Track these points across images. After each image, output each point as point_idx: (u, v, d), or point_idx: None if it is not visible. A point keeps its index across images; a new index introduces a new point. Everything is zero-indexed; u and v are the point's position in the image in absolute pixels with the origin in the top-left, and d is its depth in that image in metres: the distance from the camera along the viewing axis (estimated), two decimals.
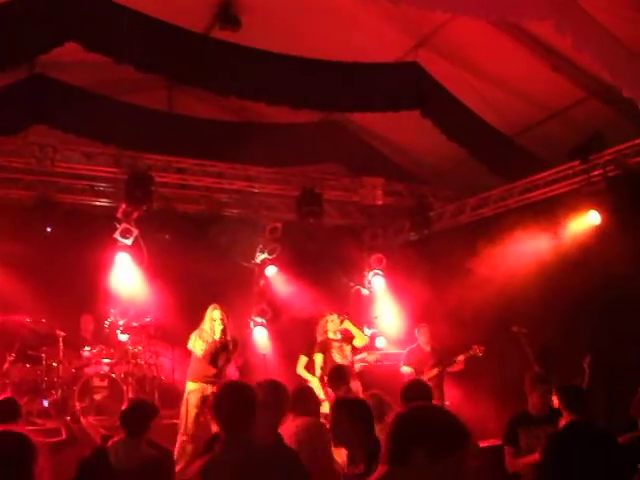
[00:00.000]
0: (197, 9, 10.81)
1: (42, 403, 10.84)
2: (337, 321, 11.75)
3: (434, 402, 11.25)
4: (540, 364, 11.15)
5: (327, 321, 11.73)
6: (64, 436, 6.63)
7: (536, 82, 11.34)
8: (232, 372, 11.46)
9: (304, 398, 7.17)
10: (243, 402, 4.74)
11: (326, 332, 11.70)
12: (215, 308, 10.68)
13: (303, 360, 11.67)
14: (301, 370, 11.59)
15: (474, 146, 12.22)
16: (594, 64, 9.25)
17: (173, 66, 10.49)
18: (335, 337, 11.71)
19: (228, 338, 10.59)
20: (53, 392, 11.15)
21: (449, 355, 11.87)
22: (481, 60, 11.34)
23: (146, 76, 11.14)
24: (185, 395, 10.40)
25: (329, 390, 10.02)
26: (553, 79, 11.03)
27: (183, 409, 10.33)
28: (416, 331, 12.30)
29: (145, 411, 6.51)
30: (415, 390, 7.11)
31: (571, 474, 6.00)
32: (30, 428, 9.28)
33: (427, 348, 12.12)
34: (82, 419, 9.80)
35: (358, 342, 11.85)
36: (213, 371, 10.42)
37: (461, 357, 11.61)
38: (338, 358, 11.48)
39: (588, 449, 6.11)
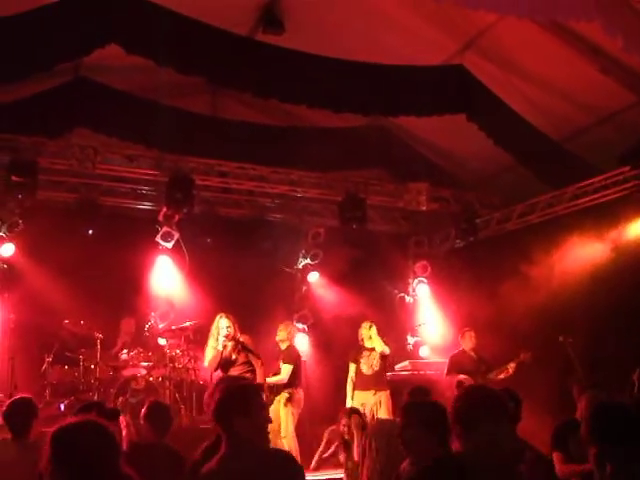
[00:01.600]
0: (240, 12, 10.76)
1: (59, 408, 10.72)
2: (367, 328, 11.69)
3: None
4: (587, 375, 10.86)
5: (362, 328, 11.74)
6: None
7: (585, 85, 11.06)
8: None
9: None
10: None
11: (362, 340, 11.69)
12: (222, 317, 10.45)
13: (351, 368, 11.65)
14: (349, 383, 11.57)
15: (521, 151, 11.97)
16: None
17: (215, 69, 10.47)
18: (368, 345, 11.64)
19: (240, 342, 10.32)
20: (90, 393, 11.12)
21: (494, 362, 11.58)
22: (528, 63, 11.09)
23: (189, 80, 11.13)
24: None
25: None
26: (602, 82, 10.73)
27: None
28: (461, 336, 11.91)
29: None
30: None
31: None
32: None
33: (473, 354, 11.78)
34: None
35: (377, 349, 11.61)
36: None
37: (512, 364, 11.28)
38: (364, 368, 11.50)
39: None
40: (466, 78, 11.22)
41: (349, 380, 11.56)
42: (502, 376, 11.37)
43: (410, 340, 14.29)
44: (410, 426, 4.84)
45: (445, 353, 13.31)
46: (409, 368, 12.69)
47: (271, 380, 10.92)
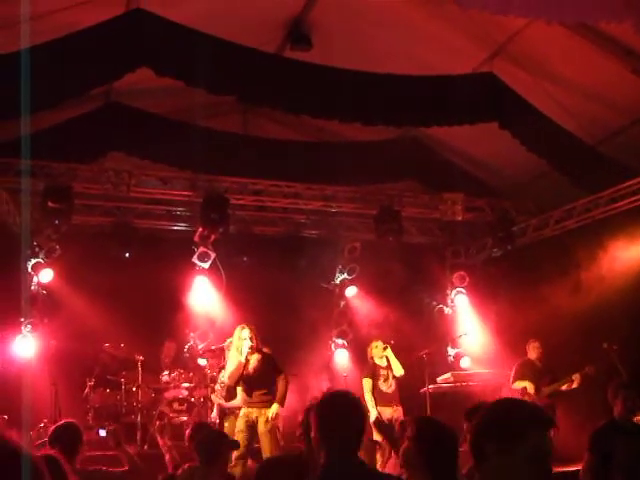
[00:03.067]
0: (268, 30, 10.80)
1: (98, 433, 10.68)
2: (381, 347, 11.55)
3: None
4: (633, 383, 10.67)
5: (372, 347, 11.59)
6: (126, 467, 6.51)
7: (617, 87, 10.93)
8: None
9: None
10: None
11: (372, 358, 11.57)
12: (244, 327, 10.03)
13: (368, 384, 11.43)
14: (368, 396, 11.30)
15: (555, 157, 11.84)
16: None
17: (245, 87, 10.51)
18: (382, 364, 11.50)
19: (257, 356, 9.85)
20: (133, 416, 11.16)
21: (560, 373, 11.44)
22: (558, 67, 11.00)
23: (220, 100, 11.21)
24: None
25: None
26: (635, 83, 10.59)
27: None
28: (528, 346, 11.78)
29: (217, 438, 6.35)
30: None
31: None
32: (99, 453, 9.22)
33: (539, 364, 11.66)
34: (159, 439, 9.69)
35: (396, 372, 11.47)
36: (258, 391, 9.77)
37: (577, 375, 11.12)
38: (384, 387, 11.35)
39: None
40: (496, 85, 11.13)
41: (368, 396, 11.24)
42: (565, 387, 11.24)
43: (451, 352, 14.14)
44: None
45: (487, 364, 13.22)
46: (451, 380, 12.55)
47: None
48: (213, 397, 11.20)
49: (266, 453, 9.32)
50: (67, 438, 6.20)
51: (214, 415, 10.92)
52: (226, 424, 10.63)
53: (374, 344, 11.61)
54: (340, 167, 12.74)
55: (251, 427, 9.54)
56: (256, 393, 9.70)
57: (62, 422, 6.74)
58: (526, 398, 11.16)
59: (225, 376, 10.25)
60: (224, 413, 10.86)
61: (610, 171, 11.74)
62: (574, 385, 11.16)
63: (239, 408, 10.05)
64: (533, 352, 11.72)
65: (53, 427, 6.69)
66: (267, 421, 9.44)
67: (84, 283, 11.65)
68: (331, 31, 10.76)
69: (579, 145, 11.62)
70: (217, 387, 11.22)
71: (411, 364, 11.99)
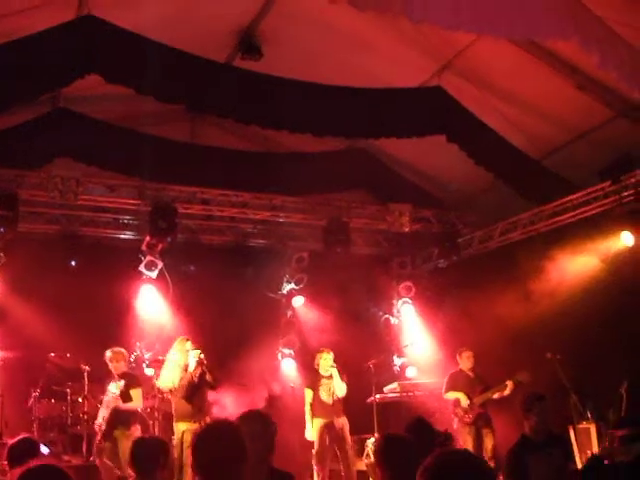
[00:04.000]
0: (218, 39, 10.79)
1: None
2: (329, 360, 11.39)
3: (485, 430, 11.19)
4: (576, 391, 10.89)
5: (320, 357, 11.48)
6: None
7: (562, 103, 11.16)
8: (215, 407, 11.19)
9: None
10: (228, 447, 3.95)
11: (317, 367, 11.48)
12: (187, 339, 10.36)
13: (309, 394, 11.44)
14: (307, 408, 11.36)
15: (501, 170, 12.02)
16: (621, 82, 9.03)
17: (195, 96, 10.48)
18: (325, 374, 11.39)
19: (205, 370, 10.05)
20: (78, 427, 11.00)
21: (491, 382, 11.54)
22: (505, 82, 11.17)
23: (168, 107, 11.18)
24: (180, 436, 9.87)
25: None
26: (579, 99, 10.85)
27: (180, 454, 9.73)
28: (458, 356, 11.85)
29: (154, 449, 6.21)
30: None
31: None
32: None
33: (471, 374, 11.73)
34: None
35: (338, 392, 11.29)
36: (191, 408, 9.94)
37: (509, 383, 11.16)
38: (324, 396, 11.27)
39: None
40: (444, 99, 11.29)
41: (307, 408, 11.32)
42: (497, 396, 11.31)
43: (397, 361, 14.25)
44: None
45: (432, 374, 13.34)
46: (398, 390, 12.66)
47: None
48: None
49: None
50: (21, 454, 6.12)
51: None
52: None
53: (323, 355, 11.48)
54: (289, 177, 12.75)
55: None
56: (195, 407, 9.94)
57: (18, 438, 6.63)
58: (458, 410, 11.31)
59: (167, 383, 10.16)
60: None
61: (554, 185, 11.99)
62: (506, 392, 11.23)
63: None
64: (465, 361, 11.78)
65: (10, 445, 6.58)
66: None
67: (30, 291, 11.47)
68: (282, 42, 10.77)
69: (524, 159, 11.84)
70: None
71: (358, 374, 12.04)
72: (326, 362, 11.39)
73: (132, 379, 10.44)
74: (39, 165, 11.63)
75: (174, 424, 10.08)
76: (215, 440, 3.97)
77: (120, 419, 10.07)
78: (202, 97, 10.51)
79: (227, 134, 13.12)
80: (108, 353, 10.49)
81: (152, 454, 6.04)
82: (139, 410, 10.56)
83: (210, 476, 3.85)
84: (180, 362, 10.13)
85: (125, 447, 9.67)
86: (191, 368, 9.98)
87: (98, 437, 9.96)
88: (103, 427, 10.03)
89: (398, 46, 10.78)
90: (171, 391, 10.13)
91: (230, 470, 3.86)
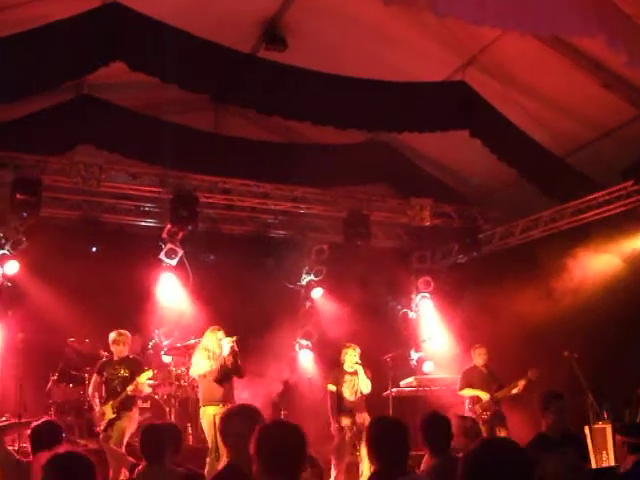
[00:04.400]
0: (243, 29, 10.80)
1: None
2: (354, 356, 11.28)
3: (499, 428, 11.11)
4: (592, 390, 10.84)
5: (346, 353, 11.36)
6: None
7: (587, 100, 11.09)
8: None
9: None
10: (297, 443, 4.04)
11: (342, 362, 11.38)
12: (218, 329, 10.27)
13: (333, 390, 11.33)
14: (330, 403, 11.25)
15: (524, 166, 11.97)
16: None
17: (219, 85, 10.52)
18: (349, 370, 11.29)
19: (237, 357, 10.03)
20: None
21: (505, 380, 11.52)
22: (530, 78, 11.12)
23: (192, 97, 11.20)
24: (203, 420, 9.93)
25: None
26: (604, 97, 10.77)
27: (207, 433, 9.88)
28: (473, 352, 11.80)
29: (162, 435, 6.26)
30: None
31: None
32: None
33: (484, 370, 11.69)
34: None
35: (363, 389, 11.24)
36: (221, 391, 9.94)
37: (522, 381, 11.12)
38: (347, 393, 11.19)
39: None
40: (468, 94, 11.25)
41: (330, 403, 11.19)
42: (511, 393, 11.30)
43: (414, 356, 14.24)
44: None
45: (449, 369, 13.32)
46: (414, 384, 12.65)
47: None
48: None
49: None
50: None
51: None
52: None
53: (349, 350, 11.33)
54: (310, 169, 12.76)
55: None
56: (223, 391, 9.89)
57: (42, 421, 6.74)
58: (477, 407, 11.27)
59: (199, 370, 10.10)
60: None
61: (577, 183, 11.92)
62: (516, 390, 11.15)
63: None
64: (478, 358, 11.72)
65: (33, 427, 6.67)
66: None
67: (50, 276, 11.56)
68: (306, 33, 10.78)
69: (548, 156, 11.77)
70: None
71: (375, 367, 12.03)
72: (351, 358, 11.27)
73: (134, 364, 10.31)
74: (62, 151, 11.71)
75: (202, 408, 9.97)
76: (286, 434, 4.04)
77: (123, 405, 9.99)
78: (226, 87, 10.56)
79: (250, 124, 13.14)
80: (112, 335, 10.33)
81: (160, 440, 6.13)
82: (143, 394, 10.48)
83: (275, 466, 3.91)
84: (212, 350, 10.10)
85: (123, 426, 9.84)
86: (225, 353, 9.96)
87: (103, 425, 9.91)
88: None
89: (422, 40, 10.76)
90: (204, 376, 10.06)
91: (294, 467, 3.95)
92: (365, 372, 11.23)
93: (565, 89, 11.09)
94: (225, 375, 9.93)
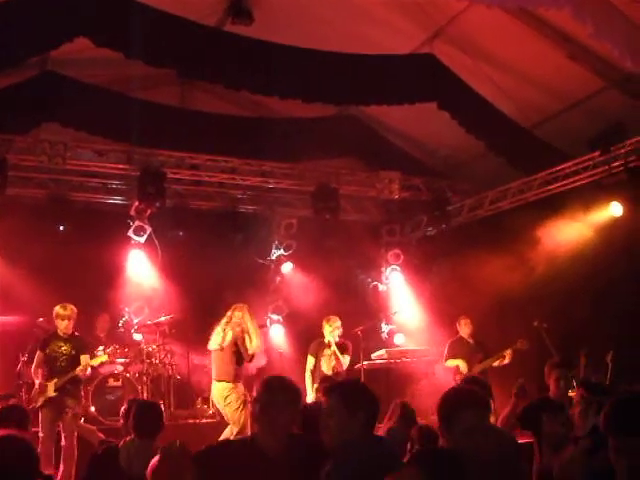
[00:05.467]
0: (208, 3, 10.67)
1: None
2: (335, 327, 11.42)
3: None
4: (562, 359, 10.97)
5: (327, 323, 11.48)
6: None
7: (554, 72, 11.11)
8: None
9: None
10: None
11: (322, 335, 11.48)
12: (237, 309, 10.61)
13: (311, 361, 11.48)
14: (307, 374, 11.41)
15: (492, 138, 12.01)
16: (614, 52, 9.00)
17: (184, 60, 10.40)
18: (330, 340, 11.39)
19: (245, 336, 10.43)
20: None
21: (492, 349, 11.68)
22: (497, 50, 11.13)
23: (158, 72, 11.08)
24: (226, 394, 10.23)
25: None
26: (571, 68, 10.80)
27: (227, 408, 10.20)
28: (458, 323, 11.98)
29: (159, 413, 6.35)
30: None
31: None
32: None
33: (471, 341, 11.86)
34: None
35: (339, 365, 11.37)
36: (236, 368, 10.42)
37: (508, 351, 11.32)
38: (325, 368, 11.30)
39: None
40: (436, 66, 11.23)
41: (308, 374, 11.35)
42: (497, 363, 11.47)
43: (384, 328, 14.31)
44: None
45: (420, 340, 13.44)
46: (385, 357, 12.71)
47: None
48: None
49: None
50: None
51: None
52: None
53: (331, 321, 11.46)
54: (278, 143, 12.70)
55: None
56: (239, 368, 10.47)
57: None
58: (458, 377, 11.41)
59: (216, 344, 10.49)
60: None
61: (544, 154, 11.97)
62: (505, 361, 11.40)
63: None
64: (464, 328, 11.91)
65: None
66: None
67: (18, 256, 11.42)
68: (273, 6, 10.68)
69: (515, 128, 11.81)
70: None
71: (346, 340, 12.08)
72: (329, 328, 11.39)
73: (80, 342, 10.10)
74: (27, 129, 11.55)
75: (218, 383, 10.35)
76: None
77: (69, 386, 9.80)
78: (191, 62, 10.45)
79: (217, 99, 13.02)
80: (56, 309, 9.96)
81: (158, 417, 6.27)
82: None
83: None
84: (230, 328, 10.46)
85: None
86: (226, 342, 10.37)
87: (40, 401, 9.62)
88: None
89: (389, 12, 10.71)
90: (221, 349, 10.36)
91: None
92: (346, 347, 11.42)
93: (532, 61, 11.10)
94: (238, 355, 10.39)
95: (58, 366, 9.80)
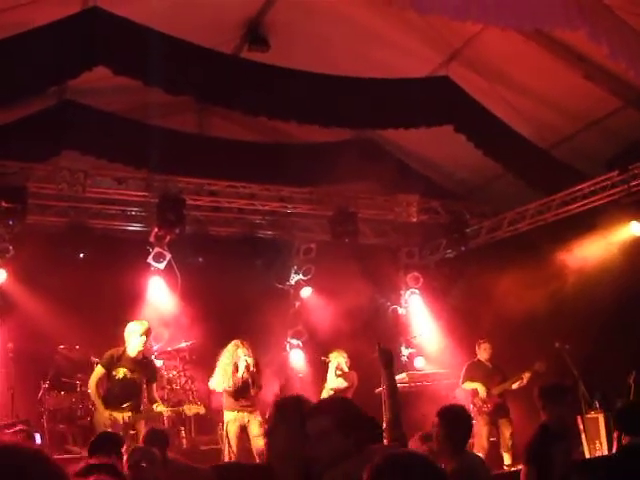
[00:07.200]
0: (225, 30, 10.75)
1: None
2: (338, 362, 11.77)
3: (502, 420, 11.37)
4: (584, 381, 10.89)
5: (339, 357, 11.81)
6: None
7: (570, 93, 11.14)
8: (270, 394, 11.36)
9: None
10: None
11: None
12: (238, 346, 10.40)
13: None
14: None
15: (509, 160, 12.02)
16: (630, 72, 9.00)
17: (202, 87, 10.51)
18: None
19: (253, 370, 10.30)
20: (88, 419, 11.00)
21: (509, 372, 11.65)
22: (513, 72, 11.16)
23: (176, 99, 11.15)
24: (225, 425, 10.22)
25: None
26: (587, 89, 10.82)
27: (225, 439, 10.16)
28: (477, 347, 11.98)
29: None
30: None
31: None
32: (66, 456, 9.23)
33: (489, 364, 11.86)
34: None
35: (329, 382, 11.77)
36: (245, 400, 10.26)
37: (527, 373, 11.30)
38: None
39: None
40: (452, 89, 11.28)
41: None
42: (516, 386, 11.43)
43: (405, 352, 14.26)
44: None
45: (440, 363, 13.37)
46: (406, 380, 12.65)
47: None
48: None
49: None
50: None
51: None
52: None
53: (342, 356, 11.82)
54: (296, 168, 12.74)
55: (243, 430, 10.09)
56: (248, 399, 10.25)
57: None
58: (477, 400, 11.38)
59: (226, 388, 10.30)
60: None
61: (562, 175, 11.98)
62: (524, 383, 11.33)
63: None
64: (483, 353, 11.88)
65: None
66: (261, 424, 9.81)
67: (38, 284, 11.47)
68: (289, 33, 10.76)
69: (532, 149, 11.83)
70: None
71: (365, 364, 12.03)
72: (333, 365, 11.71)
73: (149, 369, 10.27)
74: (47, 158, 11.67)
75: (224, 412, 10.34)
76: None
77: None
78: (209, 88, 10.56)
79: (235, 125, 13.09)
80: (142, 326, 10.09)
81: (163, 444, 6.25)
82: None
83: None
84: (230, 365, 10.29)
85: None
86: (240, 374, 10.17)
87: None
88: None
89: (405, 36, 10.78)
90: (224, 390, 10.30)
91: None
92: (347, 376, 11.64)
93: (547, 81, 11.13)
94: (240, 391, 10.18)
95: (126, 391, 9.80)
